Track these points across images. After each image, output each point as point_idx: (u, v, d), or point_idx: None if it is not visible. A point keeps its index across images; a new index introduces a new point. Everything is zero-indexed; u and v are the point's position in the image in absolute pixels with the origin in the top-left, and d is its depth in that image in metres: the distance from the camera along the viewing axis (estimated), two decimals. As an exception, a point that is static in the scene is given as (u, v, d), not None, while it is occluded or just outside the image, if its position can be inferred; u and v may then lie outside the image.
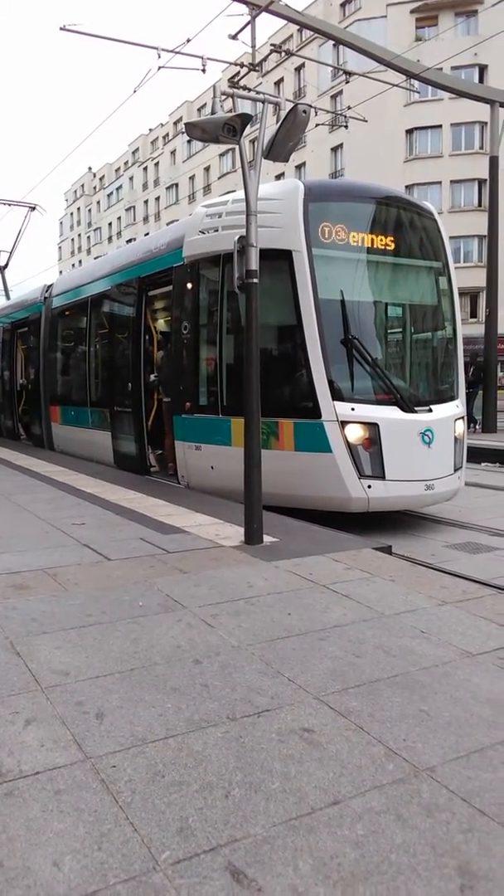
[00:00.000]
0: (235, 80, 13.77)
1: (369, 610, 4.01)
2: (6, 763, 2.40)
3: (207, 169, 49.66)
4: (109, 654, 3.34)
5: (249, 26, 13.09)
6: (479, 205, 34.27)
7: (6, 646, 3.44)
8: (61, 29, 11.28)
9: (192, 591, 4.32)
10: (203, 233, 7.94)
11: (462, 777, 2.33)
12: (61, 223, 77.03)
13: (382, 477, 6.72)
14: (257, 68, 13.59)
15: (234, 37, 13.15)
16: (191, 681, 3.05)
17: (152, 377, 9.50)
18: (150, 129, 59.57)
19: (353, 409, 6.72)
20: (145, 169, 59.11)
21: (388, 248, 7.38)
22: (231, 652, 3.37)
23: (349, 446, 6.64)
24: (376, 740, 2.56)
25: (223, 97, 6.04)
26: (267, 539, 5.67)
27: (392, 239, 7.39)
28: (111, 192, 65.48)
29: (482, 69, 34.55)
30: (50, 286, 13.41)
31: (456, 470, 7.33)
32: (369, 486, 6.68)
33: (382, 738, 2.57)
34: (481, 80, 33.51)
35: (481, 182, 33.15)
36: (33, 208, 18.41)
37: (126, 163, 63.44)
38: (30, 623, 3.77)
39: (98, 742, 2.54)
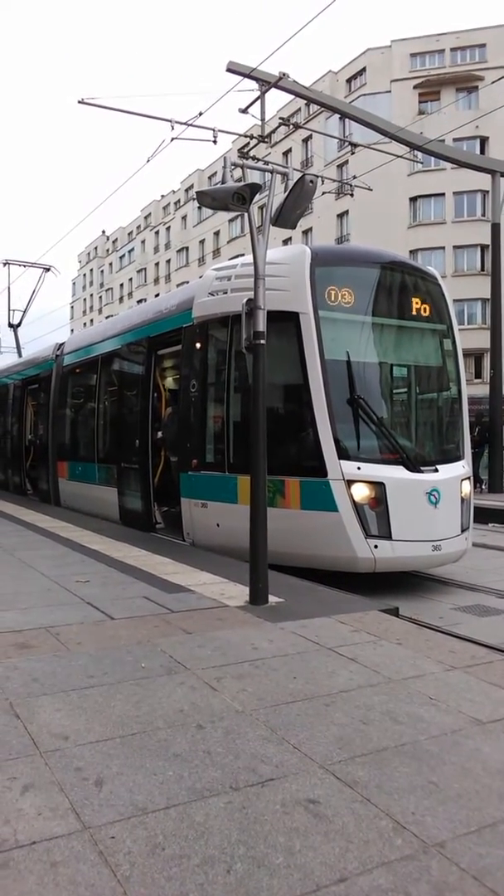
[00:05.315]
0: (245, 150, 14.30)
1: (376, 674, 3.93)
2: (2, 832, 2.33)
3: (217, 233, 51.09)
4: (110, 718, 3.27)
5: (259, 101, 13.70)
6: (483, 269, 34.98)
7: (6, 707, 3.38)
8: (79, 102, 11.84)
9: (195, 653, 4.25)
10: (212, 295, 8.13)
11: (473, 854, 2.25)
12: (74, 284, 78.95)
13: (389, 537, 6.67)
14: (266, 140, 14.14)
15: (244, 110, 13.74)
16: (193, 747, 2.97)
17: (159, 434, 9.57)
18: (163, 196, 61.56)
19: (359, 469, 6.73)
20: (157, 233, 60.83)
21: (392, 311, 7.53)
22: (235, 717, 3.30)
23: (355, 505, 6.63)
24: (384, 813, 2.48)
25: (233, 167, 6.26)
26: (272, 599, 5.60)
27: (397, 302, 7.54)
28: (123, 255, 67.23)
29: (483, 141, 35.84)
30: (62, 344, 13.66)
31: (463, 530, 7.28)
32: (376, 546, 6.63)
33: (390, 811, 2.49)
34: (482, 151, 34.73)
35: (484, 248, 33.93)
36: (48, 269, 18.96)
37: (138, 227, 65.35)
38: (31, 684, 3.70)
39: (97, 811, 2.47)
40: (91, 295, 74.19)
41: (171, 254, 57.77)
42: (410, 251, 34.61)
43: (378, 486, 6.71)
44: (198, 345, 8.36)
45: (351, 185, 15.25)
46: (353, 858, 2.21)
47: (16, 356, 20.21)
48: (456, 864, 2.19)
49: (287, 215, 5.91)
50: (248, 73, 13.66)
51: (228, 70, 13.96)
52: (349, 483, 6.65)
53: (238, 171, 6.55)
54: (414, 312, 7.68)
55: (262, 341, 5.72)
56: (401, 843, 2.30)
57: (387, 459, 6.96)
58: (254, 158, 13.50)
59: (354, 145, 16.29)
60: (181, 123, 11.95)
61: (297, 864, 2.17)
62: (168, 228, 58.91)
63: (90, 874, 2.11)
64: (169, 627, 4.81)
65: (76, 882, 2.07)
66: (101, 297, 71.25)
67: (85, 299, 75.70)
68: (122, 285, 66.59)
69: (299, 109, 40.42)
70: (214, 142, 11.91)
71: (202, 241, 52.99)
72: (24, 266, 19.13)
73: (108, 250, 71.92)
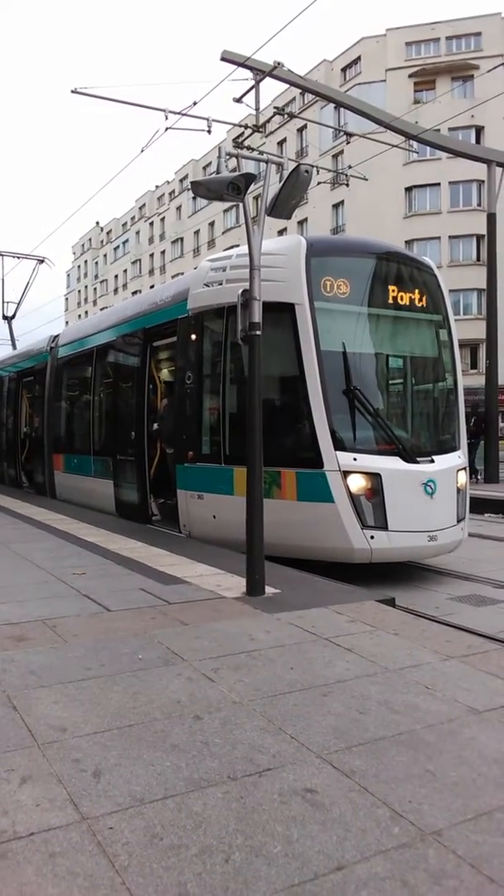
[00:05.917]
0: (240, 139, 14.20)
1: (373, 664, 3.94)
2: (0, 823, 2.33)
3: (212, 224, 50.88)
4: (108, 709, 3.27)
5: (254, 90, 13.61)
6: (478, 259, 34.93)
7: (3, 700, 3.38)
8: (73, 91, 11.74)
9: (192, 644, 4.26)
10: (208, 286, 8.09)
11: (470, 841, 2.26)
12: (68, 275, 78.58)
13: (385, 527, 6.68)
14: (261, 129, 14.06)
15: (238, 100, 13.65)
16: (191, 738, 2.98)
17: (155, 426, 9.56)
18: (157, 186, 61.23)
19: (355, 459, 6.73)
20: (151, 224, 60.55)
21: (388, 301, 7.51)
22: (232, 708, 3.31)
23: (351, 496, 6.63)
24: (381, 802, 2.49)
25: (228, 157, 6.22)
26: (269, 590, 5.61)
27: (392, 293, 7.52)
28: (118, 246, 66.93)
29: (479, 130, 35.73)
30: (56, 336, 13.60)
31: (459, 521, 7.29)
32: (372, 537, 6.64)
33: (387, 800, 2.50)
34: (478, 140, 34.63)
35: (479, 237, 33.88)
36: (42, 261, 18.84)
37: (133, 218, 65.04)
38: (28, 676, 3.70)
39: (95, 802, 2.48)
40: (85, 287, 73.90)
41: (165, 245, 57.53)
42: (406, 241, 34.54)
43: (374, 477, 6.71)
44: (193, 336, 8.33)
45: (346, 175, 15.15)
46: (351, 847, 2.22)
47: (10, 349, 20.12)
48: (453, 851, 2.21)
49: (282, 205, 5.88)
50: (243, 63, 13.57)
51: (223, 59, 13.86)
52: (345, 474, 6.65)
53: (233, 160, 6.52)
54: (409, 303, 7.66)
55: (258, 332, 5.71)
56: (398, 832, 2.31)
57: (383, 450, 6.96)
58: (248, 148, 13.44)
59: (349, 135, 16.23)
60: (175, 113, 11.86)
61: (294, 853, 2.19)
62: (163, 219, 58.64)
63: (88, 864, 2.12)
64: (166, 619, 4.82)
65: (74, 872, 2.08)
66: (95, 289, 70.98)
67: (79, 291, 75.40)
68: (116, 277, 66.33)
69: (294, 99, 40.21)
70: (209, 131, 11.82)
71: (197, 232, 52.78)
72: (18, 258, 19.00)
73: (102, 241, 71.59)
